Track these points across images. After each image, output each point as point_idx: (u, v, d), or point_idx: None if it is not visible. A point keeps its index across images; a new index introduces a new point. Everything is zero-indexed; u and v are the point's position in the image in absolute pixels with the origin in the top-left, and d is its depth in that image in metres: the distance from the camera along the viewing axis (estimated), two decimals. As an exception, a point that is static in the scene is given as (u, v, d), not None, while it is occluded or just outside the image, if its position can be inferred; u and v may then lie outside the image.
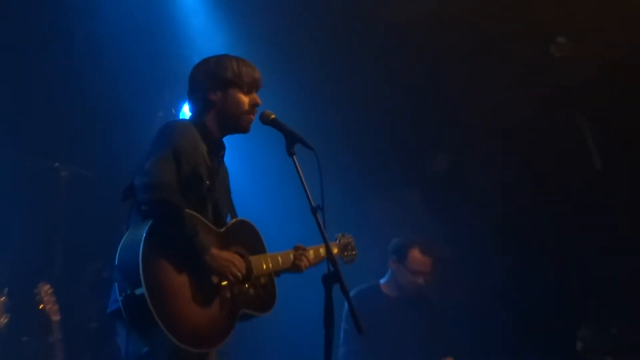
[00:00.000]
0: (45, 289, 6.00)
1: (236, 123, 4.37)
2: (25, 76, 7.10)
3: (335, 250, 4.73)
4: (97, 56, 7.12)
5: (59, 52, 7.14)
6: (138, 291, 3.81)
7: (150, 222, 3.93)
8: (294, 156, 4.00)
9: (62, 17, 7.09)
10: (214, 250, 4.02)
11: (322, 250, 4.60)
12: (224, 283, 4.09)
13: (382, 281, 6.41)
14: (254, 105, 4.34)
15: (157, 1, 7.53)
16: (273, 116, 4.12)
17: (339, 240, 4.92)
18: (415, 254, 6.26)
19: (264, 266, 4.30)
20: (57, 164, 6.83)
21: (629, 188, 6.75)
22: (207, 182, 4.25)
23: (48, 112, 7.11)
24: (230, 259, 4.08)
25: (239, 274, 4.08)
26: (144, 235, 3.87)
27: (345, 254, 4.89)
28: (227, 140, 4.54)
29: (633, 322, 6.48)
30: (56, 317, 5.97)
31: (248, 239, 4.38)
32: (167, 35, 7.51)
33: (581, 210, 6.84)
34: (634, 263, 6.66)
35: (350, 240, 4.95)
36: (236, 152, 4.64)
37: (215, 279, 4.04)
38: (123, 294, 3.87)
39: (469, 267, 7.17)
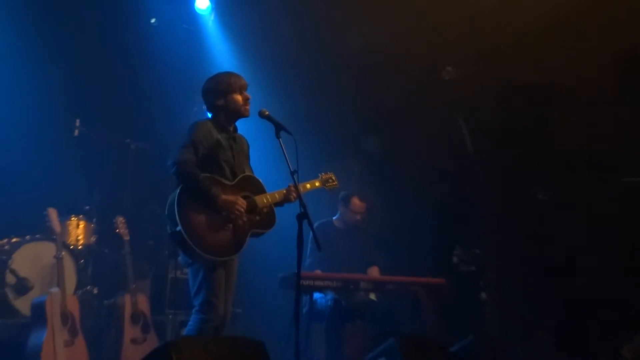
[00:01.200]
0: (120, 219, 6.08)
1: (239, 113, 4.51)
2: (112, 84, 7.17)
3: (317, 184, 4.82)
4: (157, 70, 7.21)
5: (132, 67, 7.19)
6: (177, 228, 4.10)
7: (181, 186, 4.19)
8: (280, 139, 4.18)
9: (136, 42, 7.21)
10: (223, 197, 4.24)
11: (308, 186, 4.72)
12: (233, 216, 4.28)
13: (334, 218, 6.52)
14: (246, 99, 4.49)
15: (194, 38, 7.61)
16: (267, 112, 4.28)
17: (321, 177, 4.87)
18: (355, 200, 6.36)
19: (265, 200, 4.45)
20: (128, 140, 6.88)
21: (494, 159, 6.78)
22: (222, 155, 4.40)
23: (124, 105, 7.18)
24: (235, 200, 4.27)
25: (242, 209, 4.28)
26: (177, 193, 4.14)
27: (327, 184, 4.88)
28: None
29: (489, 245, 6.57)
30: (127, 238, 6.01)
31: (253, 186, 4.52)
32: (199, 57, 7.57)
33: (457, 174, 6.89)
34: (495, 208, 6.77)
35: (331, 175, 4.93)
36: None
37: (226, 214, 4.26)
38: (170, 231, 4.18)
39: (389, 209, 7.21)
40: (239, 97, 4.46)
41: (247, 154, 4.69)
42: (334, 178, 4.95)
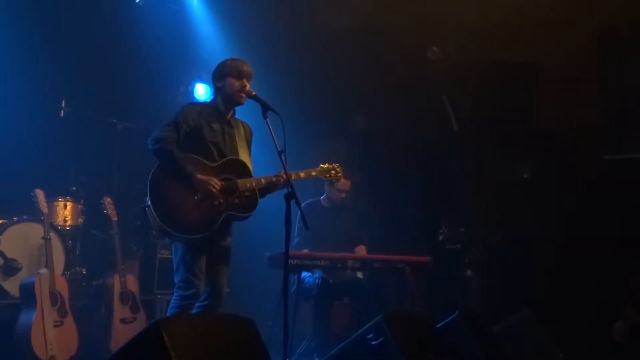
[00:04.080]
0: (108, 200, 6.04)
1: (232, 98, 4.45)
2: (98, 65, 7.08)
3: (314, 173, 4.67)
4: (143, 51, 7.16)
5: (118, 47, 7.13)
6: (147, 204, 4.14)
7: (158, 162, 4.24)
8: (267, 119, 4.13)
9: (122, 22, 7.16)
10: (198, 176, 4.20)
11: (302, 174, 4.59)
12: (208, 195, 4.24)
13: (321, 197, 6.47)
14: (242, 86, 4.41)
15: (180, 18, 7.55)
16: (254, 93, 4.30)
17: (321, 167, 4.71)
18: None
19: (248, 184, 4.37)
20: (115, 120, 6.83)
21: (477, 138, 6.83)
22: (209, 137, 4.36)
23: (110, 86, 7.10)
24: (209, 180, 4.22)
25: (215, 189, 4.22)
26: (153, 170, 4.21)
27: (327, 175, 4.73)
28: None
29: (474, 224, 6.62)
30: (114, 218, 5.96)
31: (238, 170, 4.43)
32: (187, 39, 7.53)
33: (441, 152, 6.92)
34: (480, 186, 6.82)
35: (335, 165, 4.77)
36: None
37: (201, 194, 4.23)
38: (143, 205, 4.23)
39: (376, 188, 7.27)
40: (235, 82, 4.41)
41: (247, 139, 4.62)
42: (337, 169, 4.79)
